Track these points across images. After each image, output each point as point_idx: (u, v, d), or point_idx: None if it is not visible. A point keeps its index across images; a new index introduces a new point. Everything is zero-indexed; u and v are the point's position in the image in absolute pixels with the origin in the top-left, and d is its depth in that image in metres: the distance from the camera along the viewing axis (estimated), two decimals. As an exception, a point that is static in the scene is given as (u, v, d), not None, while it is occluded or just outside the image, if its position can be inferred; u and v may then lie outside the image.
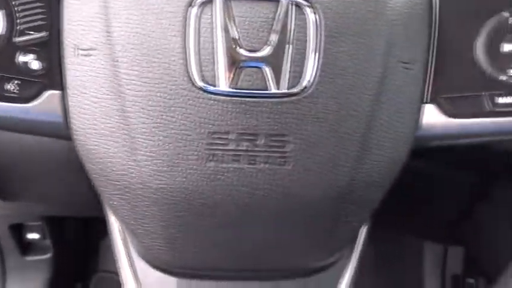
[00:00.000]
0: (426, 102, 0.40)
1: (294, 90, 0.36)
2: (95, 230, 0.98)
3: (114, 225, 0.45)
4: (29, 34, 0.37)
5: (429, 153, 0.44)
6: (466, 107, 0.39)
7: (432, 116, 0.40)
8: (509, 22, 0.39)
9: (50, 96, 0.38)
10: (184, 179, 0.36)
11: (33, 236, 0.93)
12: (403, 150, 0.40)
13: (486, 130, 0.40)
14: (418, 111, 0.40)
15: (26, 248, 0.93)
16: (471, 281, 0.86)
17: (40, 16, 0.37)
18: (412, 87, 0.39)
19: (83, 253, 1.08)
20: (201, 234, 0.39)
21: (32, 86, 0.38)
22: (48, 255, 0.93)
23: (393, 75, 0.37)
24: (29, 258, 0.93)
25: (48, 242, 0.92)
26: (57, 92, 0.38)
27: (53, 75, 0.38)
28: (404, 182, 0.65)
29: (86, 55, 0.36)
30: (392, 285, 1.05)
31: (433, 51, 0.39)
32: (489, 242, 0.77)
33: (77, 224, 1.03)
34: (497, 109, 0.39)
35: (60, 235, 0.96)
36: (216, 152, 0.36)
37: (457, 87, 0.39)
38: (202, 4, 0.35)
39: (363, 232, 0.45)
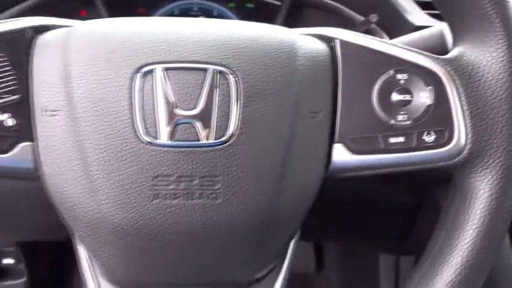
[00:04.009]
0: (335, 142, 0.49)
1: (220, 140, 0.45)
2: (69, 255, 1.04)
3: (81, 251, 0.53)
4: (3, 97, 0.46)
5: (372, 178, 0.52)
6: (366, 146, 0.49)
7: (340, 154, 0.49)
8: (396, 78, 0.50)
9: (23, 147, 0.46)
10: (135, 214, 0.45)
11: (7, 261, 0.98)
12: (316, 181, 0.49)
13: (382, 163, 0.50)
14: (328, 150, 0.49)
15: (1, 273, 0.98)
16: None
17: (13, 82, 0.46)
18: (320, 132, 0.48)
19: (57, 277, 1.13)
20: (151, 257, 0.48)
21: (7, 139, 0.46)
22: (22, 280, 0.98)
23: (302, 123, 0.47)
24: (4, 283, 0.98)
25: (22, 266, 0.97)
26: (28, 144, 0.46)
27: (25, 130, 0.46)
28: (353, 202, 0.74)
29: (52, 115, 0.45)
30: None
31: (338, 102, 0.49)
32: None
33: (51, 248, 1.08)
34: (389, 147, 0.49)
35: (35, 260, 1.01)
36: (160, 191, 0.45)
37: (359, 130, 0.49)
38: (145, 74, 0.44)
39: (291, 245, 0.54)
